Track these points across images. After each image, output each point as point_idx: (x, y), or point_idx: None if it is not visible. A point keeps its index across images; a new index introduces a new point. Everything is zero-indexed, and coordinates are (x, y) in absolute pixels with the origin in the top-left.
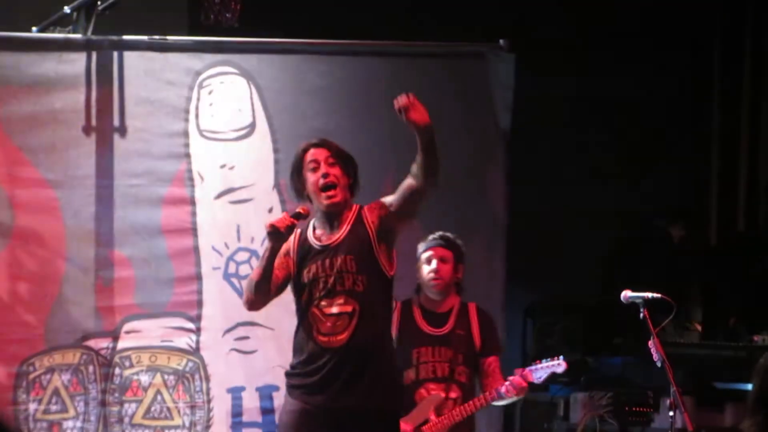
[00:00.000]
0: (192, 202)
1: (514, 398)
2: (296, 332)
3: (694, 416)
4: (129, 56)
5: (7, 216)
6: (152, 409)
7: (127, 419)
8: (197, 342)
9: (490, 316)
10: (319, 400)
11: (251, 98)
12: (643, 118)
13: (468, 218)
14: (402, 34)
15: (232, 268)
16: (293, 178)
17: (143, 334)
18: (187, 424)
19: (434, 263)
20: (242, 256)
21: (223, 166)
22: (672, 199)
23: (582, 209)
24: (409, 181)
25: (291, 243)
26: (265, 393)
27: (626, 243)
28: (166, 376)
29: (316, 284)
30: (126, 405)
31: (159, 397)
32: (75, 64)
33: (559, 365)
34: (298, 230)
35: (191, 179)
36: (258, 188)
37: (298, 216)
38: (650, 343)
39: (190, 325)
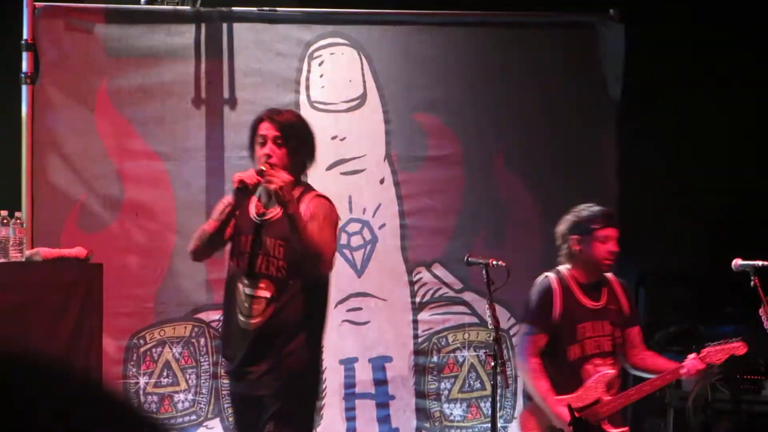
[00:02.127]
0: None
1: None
2: (223, 302)
3: None
4: (238, 28)
5: (117, 189)
6: None
7: None
8: None
9: (627, 285)
10: (238, 387)
11: (362, 69)
12: (751, 86)
13: (580, 187)
14: (510, 5)
15: (343, 239)
16: (250, 145)
17: None
18: None
19: (613, 245)
20: (354, 227)
21: (334, 138)
22: None
23: (693, 177)
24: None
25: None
26: (378, 364)
27: (737, 210)
28: None
29: (242, 258)
30: None
31: None
32: (184, 36)
33: (739, 347)
34: None
35: None
36: (369, 159)
37: (261, 174)
38: (761, 311)
39: None
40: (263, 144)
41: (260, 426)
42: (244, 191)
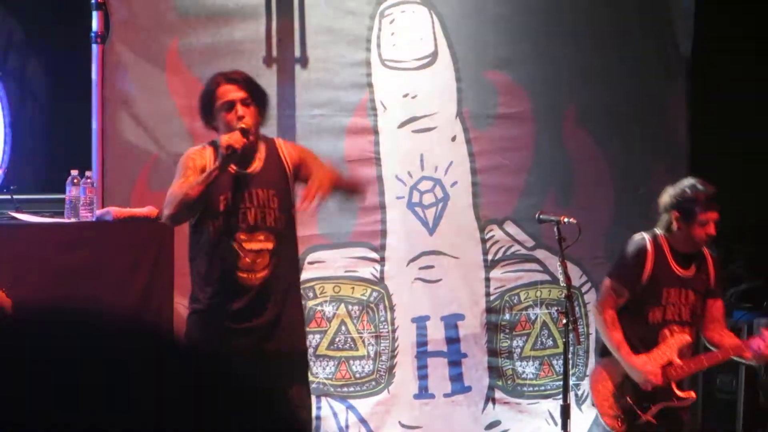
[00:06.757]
0: (375, 131)
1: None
2: (204, 263)
3: None
4: None
5: (188, 148)
6: (336, 339)
7: (311, 350)
8: (381, 272)
9: (717, 257)
10: (243, 342)
11: (433, 27)
12: None
13: (650, 144)
14: None
15: (416, 198)
16: (204, 107)
17: (327, 264)
18: (371, 354)
19: (712, 228)
20: (426, 185)
21: (405, 96)
22: None
23: (764, 132)
24: (335, 176)
25: (207, 160)
26: (450, 322)
27: None
28: (350, 307)
29: (233, 215)
30: (310, 336)
31: (343, 328)
32: None
33: None
34: (212, 147)
35: (374, 109)
36: (441, 117)
37: (245, 133)
38: None
39: (374, 255)
40: (230, 109)
41: (275, 382)
42: (233, 156)
